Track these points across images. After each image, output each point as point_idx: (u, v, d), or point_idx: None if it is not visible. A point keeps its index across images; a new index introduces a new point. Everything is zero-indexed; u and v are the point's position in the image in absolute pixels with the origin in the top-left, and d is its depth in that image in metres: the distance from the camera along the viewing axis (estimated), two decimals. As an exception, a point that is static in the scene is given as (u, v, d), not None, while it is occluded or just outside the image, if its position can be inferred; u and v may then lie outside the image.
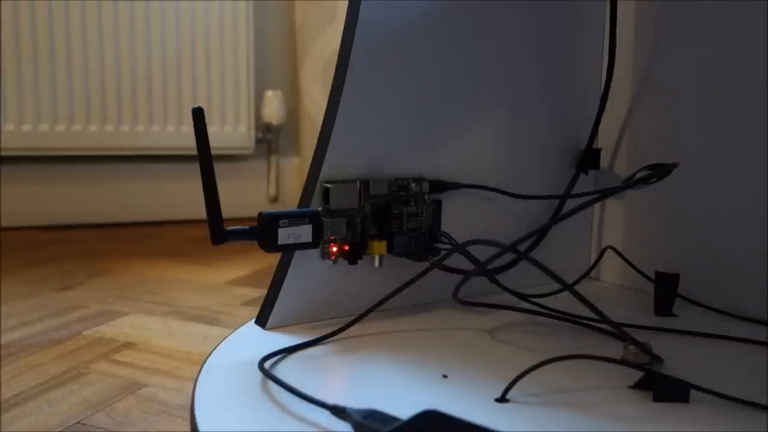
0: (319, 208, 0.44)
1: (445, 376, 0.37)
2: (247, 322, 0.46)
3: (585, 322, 0.47)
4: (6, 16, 1.04)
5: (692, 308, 0.52)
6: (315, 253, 0.45)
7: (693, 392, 0.35)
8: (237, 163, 1.27)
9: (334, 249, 0.45)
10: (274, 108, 1.25)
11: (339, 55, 0.44)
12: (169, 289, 0.73)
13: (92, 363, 0.51)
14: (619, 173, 0.59)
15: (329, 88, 0.45)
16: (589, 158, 0.58)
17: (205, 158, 0.38)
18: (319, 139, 0.45)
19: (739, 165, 0.50)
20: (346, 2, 0.44)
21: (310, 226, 0.42)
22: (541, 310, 0.48)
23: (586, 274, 0.59)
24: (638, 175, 0.51)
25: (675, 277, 0.50)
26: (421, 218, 0.49)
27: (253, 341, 0.43)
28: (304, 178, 0.45)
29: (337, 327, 0.43)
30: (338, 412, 0.30)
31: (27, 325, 0.60)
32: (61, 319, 0.62)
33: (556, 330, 0.46)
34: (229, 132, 1.21)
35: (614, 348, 0.41)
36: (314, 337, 0.42)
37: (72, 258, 0.89)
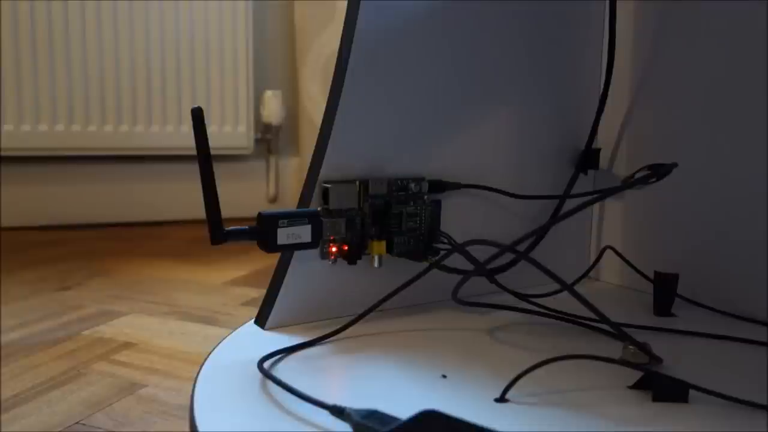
0: (319, 208, 0.44)
1: (444, 376, 0.37)
2: (246, 322, 0.46)
3: (584, 322, 0.47)
4: (5, 16, 1.04)
5: (691, 308, 0.52)
6: (314, 253, 0.45)
7: (692, 392, 0.35)
8: (236, 163, 1.27)
9: (334, 249, 0.45)
10: (273, 108, 1.25)
11: (338, 55, 0.44)
12: (168, 289, 0.73)
13: (91, 363, 0.51)
14: (619, 173, 0.59)
15: (329, 88, 0.45)
16: (588, 158, 0.58)
17: (204, 158, 0.38)
18: (318, 139, 0.45)
19: (738, 165, 0.50)
20: (346, 2, 0.44)
21: (310, 226, 0.42)
22: (541, 310, 0.48)
23: (586, 274, 0.59)
24: (638, 175, 0.51)
25: (674, 277, 0.50)
26: (420, 218, 0.49)
27: (252, 341, 0.43)
28: (304, 178, 0.45)
29: (336, 327, 0.43)
30: (338, 412, 0.30)
31: (26, 325, 0.60)
32: (61, 319, 0.62)
33: (555, 330, 0.46)
34: (229, 132, 1.21)
35: (614, 348, 0.41)
36: (314, 337, 0.42)
37: (71, 258, 0.89)
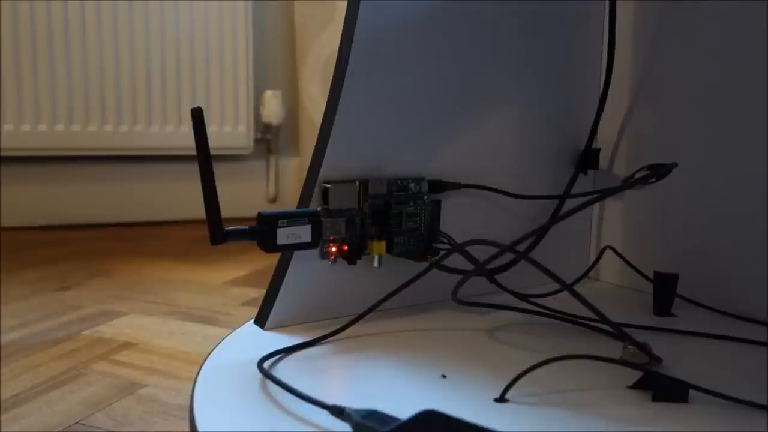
0: (319, 208, 0.44)
1: (444, 376, 0.37)
2: (246, 322, 0.46)
3: (584, 322, 0.47)
4: (5, 16, 1.04)
5: (691, 308, 0.52)
6: (314, 253, 0.45)
7: (692, 392, 0.35)
8: (236, 163, 1.27)
9: (334, 249, 0.45)
10: (273, 108, 1.25)
11: (338, 55, 0.44)
12: (168, 289, 0.73)
13: (91, 363, 0.51)
14: (618, 173, 0.59)
15: (329, 88, 0.45)
16: (588, 158, 0.58)
17: (204, 158, 0.38)
18: (318, 139, 0.45)
19: (738, 165, 0.50)
20: (346, 2, 0.44)
21: (310, 226, 0.42)
22: (541, 310, 0.48)
23: (586, 274, 0.59)
24: (637, 175, 0.51)
25: (674, 277, 0.50)
26: (420, 218, 0.49)
27: (252, 341, 0.43)
28: (303, 178, 0.45)
29: (336, 327, 0.43)
30: (337, 412, 0.30)
31: (26, 325, 0.60)
32: (61, 319, 0.62)
33: (555, 330, 0.46)
34: (229, 132, 1.21)
35: (613, 348, 0.41)
36: (313, 337, 0.42)
37: (71, 258, 0.89)
